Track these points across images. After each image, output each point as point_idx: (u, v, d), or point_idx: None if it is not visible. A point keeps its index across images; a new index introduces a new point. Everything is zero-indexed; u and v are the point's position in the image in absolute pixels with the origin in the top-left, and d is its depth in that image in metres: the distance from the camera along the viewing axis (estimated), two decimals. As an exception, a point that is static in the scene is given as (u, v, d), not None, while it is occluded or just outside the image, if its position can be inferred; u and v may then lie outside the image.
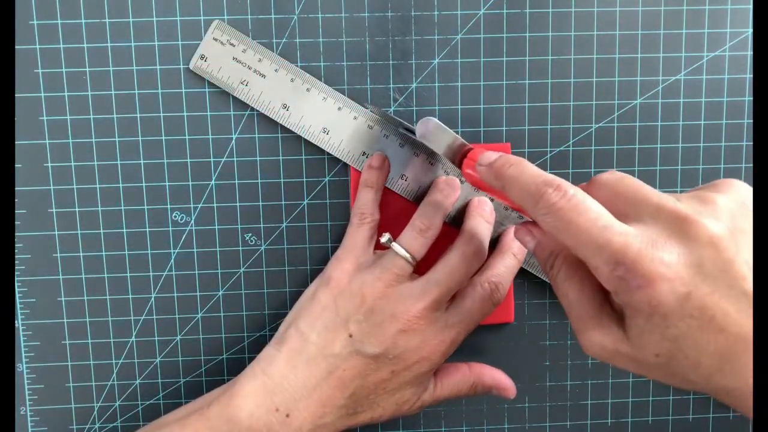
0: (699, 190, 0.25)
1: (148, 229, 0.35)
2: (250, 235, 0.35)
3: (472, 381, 0.33)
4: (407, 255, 0.31)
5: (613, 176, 0.25)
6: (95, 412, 0.36)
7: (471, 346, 0.36)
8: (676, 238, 0.22)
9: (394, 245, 0.31)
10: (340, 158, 0.34)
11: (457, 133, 0.35)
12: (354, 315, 0.31)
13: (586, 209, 0.23)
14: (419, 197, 0.34)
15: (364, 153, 0.34)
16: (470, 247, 0.32)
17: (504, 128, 0.35)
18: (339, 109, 0.33)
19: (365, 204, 0.33)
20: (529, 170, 0.25)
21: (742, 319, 0.21)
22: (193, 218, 0.35)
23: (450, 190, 0.33)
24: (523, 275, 0.36)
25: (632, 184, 0.24)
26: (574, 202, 0.23)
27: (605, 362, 0.26)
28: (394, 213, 0.34)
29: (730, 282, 0.21)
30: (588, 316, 0.25)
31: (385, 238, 0.32)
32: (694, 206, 0.23)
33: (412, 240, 0.31)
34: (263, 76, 0.33)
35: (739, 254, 0.22)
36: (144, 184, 0.34)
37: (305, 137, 0.34)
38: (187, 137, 0.34)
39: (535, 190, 0.24)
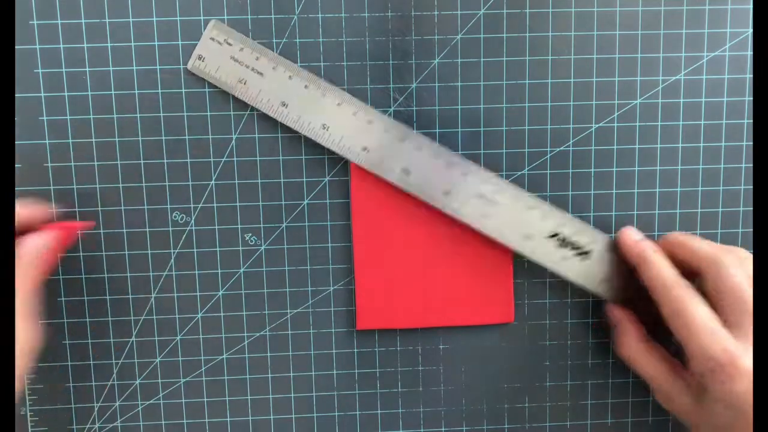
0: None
1: (148, 229, 0.35)
2: (250, 235, 0.35)
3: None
4: None
5: (733, 276, 0.30)
6: (95, 412, 0.36)
7: (471, 346, 0.36)
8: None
9: None
10: (340, 154, 0.34)
11: (457, 133, 0.35)
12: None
13: (699, 308, 0.30)
14: (425, 192, 0.33)
15: (365, 148, 0.34)
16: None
17: (504, 128, 0.35)
18: (338, 105, 0.33)
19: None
20: (665, 272, 0.32)
21: None
22: (193, 218, 0.35)
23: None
24: (523, 275, 0.36)
25: (738, 285, 0.30)
26: (690, 297, 0.30)
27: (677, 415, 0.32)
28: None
29: None
30: (668, 386, 0.32)
31: None
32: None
33: None
34: (261, 74, 0.33)
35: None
36: (144, 184, 0.34)
37: (305, 134, 0.34)
38: (187, 137, 0.34)
39: (671, 284, 0.31)
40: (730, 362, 0.28)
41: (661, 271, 0.32)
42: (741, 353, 0.28)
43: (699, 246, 0.32)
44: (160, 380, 0.36)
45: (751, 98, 0.35)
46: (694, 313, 0.30)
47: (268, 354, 0.36)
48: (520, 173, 0.35)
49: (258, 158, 0.34)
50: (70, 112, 0.34)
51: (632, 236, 0.34)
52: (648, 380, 0.33)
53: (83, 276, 0.35)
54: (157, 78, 0.34)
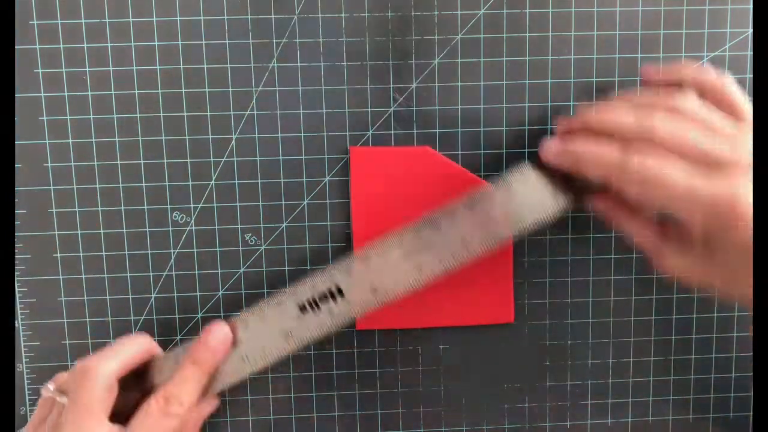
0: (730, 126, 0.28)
1: (148, 229, 0.35)
2: (250, 235, 0.35)
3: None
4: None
5: (680, 126, 0.28)
6: (95, 412, 0.36)
7: (471, 346, 0.36)
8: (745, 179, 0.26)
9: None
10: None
11: (457, 133, 0.35)
12: None
13: (671, 170, 0.27)
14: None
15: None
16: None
17: (504, 128, 0.35)
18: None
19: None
20: (606, 146, 0.28)
21: None
22: (193, 218, 0.35)
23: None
24: (523, 275, 0.36)
25: (701, 138, 0.27)
26: (658, 167, 0.27)
27: (678, 280, 0.30)
28: None
29: None
30: (656, 245, 0.30)
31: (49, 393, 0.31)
32: (738, 140, 0.27)
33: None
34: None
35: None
36: (144, 184, 0.34)
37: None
38: (187, 137, 0.34)
39: (620, 160, 0.28)
40: (734, 217, 0.26)
41: (600, 163, 0.28)
42: (735, 191, 0.26)
43: (639, 100, 0.30)
44: (160, 380, 0.36)
45: (751, 98, 0.35)
46: (663, 180, 0.27)
47: (268, 354, 0.36)
48: (520, 173, 0.35)
49: (258, 158, 0.34)
50: (70, 112, 0.34)
51: (551, 150, 0.30)
52: (644, 244, 0.31)
53: (83, 276, 0.35)
54: (157, 78, 0.34)
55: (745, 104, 0.29)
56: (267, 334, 0.31)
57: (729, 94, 0.29)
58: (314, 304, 0.31)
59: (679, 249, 0.29)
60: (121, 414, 0.30)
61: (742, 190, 0.26)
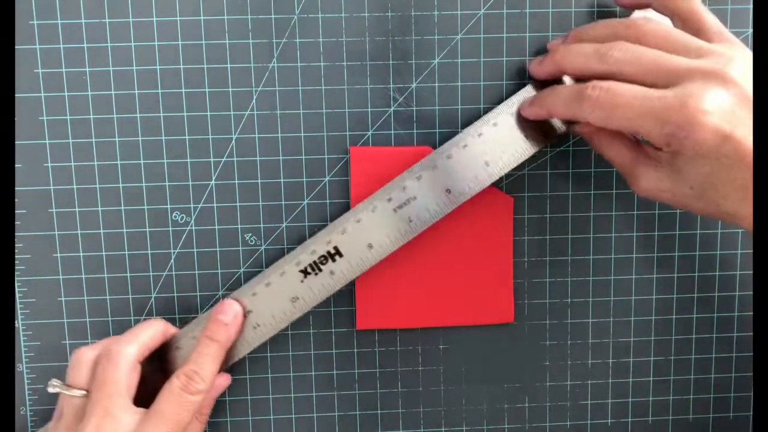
0: (712, 50, 0.28)
1: (148, 229, 0.35)
2: (250, 235, 0.35)
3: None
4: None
5: (636, 50, 0.28)
6: (95, 412, 0.36)
7: (471, 346, 0.36)
8: (711, 90, 0.26)
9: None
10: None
11: (456, 133, 0.35)
12: None
13: (625, 93, 0.28)
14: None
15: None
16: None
17: (504, 128, 0.35)
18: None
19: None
20: (563, 88, 0.30)
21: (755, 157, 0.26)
22: (193, 218, 0.35)
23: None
24: (523, 275, 0.36)
25: (657, 55, 0.28)
26: (611, 91, 0.28)
27: (652, 199, 0.30)
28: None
29: (750, 126, 0.26)
30: (631, 167, 0.30)
31: (51, 388, 0.31)
32: (717, 60, 0.27)
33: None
34: None
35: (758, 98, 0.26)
36: (144, 184, 0.34)
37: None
38: (187, 137, 0.34)
39: (576, 95, 0.29)
40: (685, 121, 0.26)
41: (560, 96, 0.30)
42: (690, 101, 0.26)
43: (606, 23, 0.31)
44: (160, 380, 0.36)
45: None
46: (617, 96, 0.28)
47: (268, 354, 0.36)
48: (520, 173, 0.35)
49: (258, 158, 0.34)
50: (70, 112, 0.34)
51: (524, 106, 0.32)
52: (621, 166, 0.31)
53: (83, 276, 0.35)
54: (157, 78, 0.34)
55: (713, 24, 0.30)
56: (275, 301, 0.33)
57: (697, 17, 0.30)
58: (315, 267, 0.32)
59: (651, 168, 0.30)
60: (142, 398, 0.30)
61: (695, 92, 0.26)
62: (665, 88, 0.27)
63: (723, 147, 0.26)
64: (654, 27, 0.29)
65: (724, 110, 0.26)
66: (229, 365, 0.33)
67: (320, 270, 0.32)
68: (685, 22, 0.30)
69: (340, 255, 0.32)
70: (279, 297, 0.33)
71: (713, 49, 0.28)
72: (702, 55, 0.28)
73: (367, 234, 0.32)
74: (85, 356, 0.31)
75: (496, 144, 0.32)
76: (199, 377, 0.30)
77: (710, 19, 0.30)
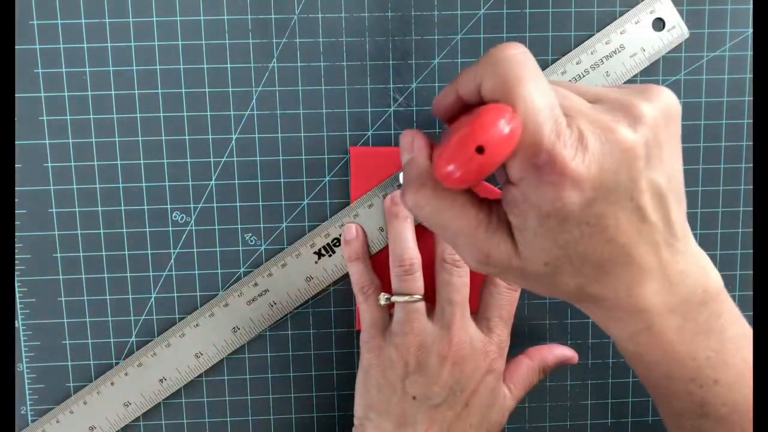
0: (628, 94, 0.23)
1: (148, 229, 0.35)
2: (250, 235, 0.35)
3: (537, 368, 0.34)
4: (412, 299, 0.32)
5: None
6: (95, 412, 0.36)
7: (471, 346, 0.36)
8: (597, 142, 0.21)
9: (396, 299, 0.32)
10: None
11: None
12: (406, 379, 0.31)
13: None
14: None
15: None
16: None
17: (504, 128, 0.35)
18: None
19: (360, 278, 0.34)
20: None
21: (630, 231, 0.22)
22: (193, 218, 0.35)
23: (399, 207, 0.33)
24: (523, 275, 0.36)
25: (566, 94, 0.22)
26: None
27: (494, 276, 0.26)
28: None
29: (631, 194, 0.21)
30: (477, 238, 0.23)
31: (383, 299, 0.32)
32: (616, 114, 0.22)
33: (405, 284, 0.32)
34: None
35: (648, 168, 0.22)
36: (144, 184, 0.34)
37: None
38: (187, 137, 0.34)
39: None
40: (559, 151, 0.21)
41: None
42: (575, 143, 0.21)
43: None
44: (160, 380, 0.36)
45: (751, 98, 0.35)
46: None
47: (268, 354, 0.36)
48: (520, 173, 0.35)
49: (258, 158, 0.34)
50: (70, 112, 0.34)
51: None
52: (453, 239, 0.24)
53: (83, 276, 0.35)
54: (157, 78, 0.34)
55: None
56: (291, 281, 0.35)
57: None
58: (329, 249, 0.34)
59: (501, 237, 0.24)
60: None
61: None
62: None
63: (586, 212, 0.22)
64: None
65: (600, 168, 0.21)
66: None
67: (333, 252, 0.34)
68: None
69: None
70: (294, 277, 0.34)
71: (629, 101, 0.22)
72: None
73: (378, 218, 0.34)
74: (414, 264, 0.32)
75: None
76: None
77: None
